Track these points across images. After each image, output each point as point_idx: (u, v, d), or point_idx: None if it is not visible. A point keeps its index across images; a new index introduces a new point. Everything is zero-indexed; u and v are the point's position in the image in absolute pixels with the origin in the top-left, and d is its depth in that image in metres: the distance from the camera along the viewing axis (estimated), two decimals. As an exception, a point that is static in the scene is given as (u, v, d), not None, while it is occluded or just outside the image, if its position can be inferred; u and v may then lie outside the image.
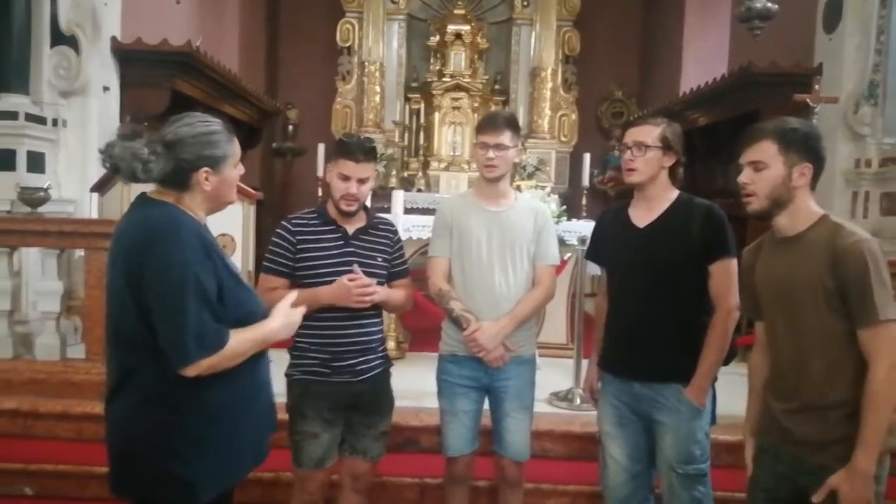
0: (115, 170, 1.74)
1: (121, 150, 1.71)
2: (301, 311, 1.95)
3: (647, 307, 2.28)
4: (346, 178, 2.39)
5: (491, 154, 2.51)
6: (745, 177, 1.94)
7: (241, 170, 1.89)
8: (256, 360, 1.84)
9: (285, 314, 1.90)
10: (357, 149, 2.41)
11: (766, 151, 1.90)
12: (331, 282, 2.36)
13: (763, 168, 1.90)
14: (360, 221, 2.50)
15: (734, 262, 2.26)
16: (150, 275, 1.65)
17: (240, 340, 1.74)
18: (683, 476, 2.27)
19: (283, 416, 2.24)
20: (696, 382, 2.24)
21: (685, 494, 2.27)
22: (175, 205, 1.76)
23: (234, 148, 1.84)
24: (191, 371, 1.65)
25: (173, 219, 1.71)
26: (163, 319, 1.64)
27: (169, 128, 1.78)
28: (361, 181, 2.40)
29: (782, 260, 1.94)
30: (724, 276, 2.24)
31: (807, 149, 1.89)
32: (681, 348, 2.25)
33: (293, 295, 1.99)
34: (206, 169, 1.77)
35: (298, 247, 2.43)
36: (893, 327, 1.76)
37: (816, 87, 4.69)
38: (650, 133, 2.30)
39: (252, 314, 1.82)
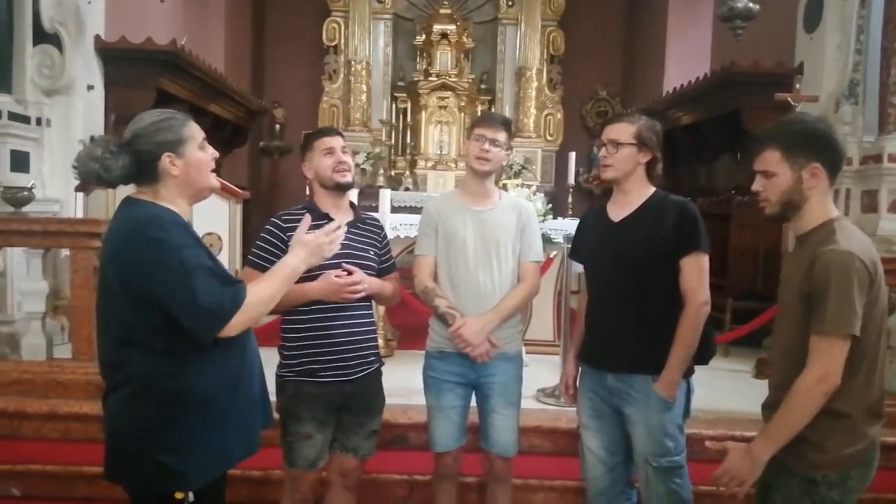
0: (81, 176, 1.80)
1: (80, 155, 1.78)
2: (330, 228, 2.06)
3: (619, 299, 2.33)
4: (330, 152, 2.46)
5: (487, 146, 2.55)
6: (758, 184, 1.93)
7: (211, 152, 1.91)
8: (245, 345, 1.88)
9: (303, 243, 2.00)
10: (327, 128, 2.63)
11: (770, 160, 1.88)
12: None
13: (772, 176, 1.88)
14: (349, 215, 2.51)
15: (705, 258, 2.29)
16: (147, 269, 1.69)
17: (261, 287, 1.85)
18: (658, 469, 2.30)
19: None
20: (665, 375, 2.26)
21: (661, 487, 2.30)
22: (154, 202, 1.81)
23: (191, 130, 1.86)
24: (228, 332, 1.74)
25: (151, 213, 1.77)
26: (178, 304, 1.68)
27: (126, 130, 1.85)
28: (344, 150, 2.49)
29: (788, 260, 1.98)
30: (695, 270, 2.27)
31: (814, 148, 1.85)
32: (651, 341, 2.27)
33: (307, 220, 2.10)
34: (168, 154, 1.80)
35: (289, 244, 2.37)
36: (835, 342, 1.75)
37: (797, 86, 4.76)
38: (625, 131, 2.34)
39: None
